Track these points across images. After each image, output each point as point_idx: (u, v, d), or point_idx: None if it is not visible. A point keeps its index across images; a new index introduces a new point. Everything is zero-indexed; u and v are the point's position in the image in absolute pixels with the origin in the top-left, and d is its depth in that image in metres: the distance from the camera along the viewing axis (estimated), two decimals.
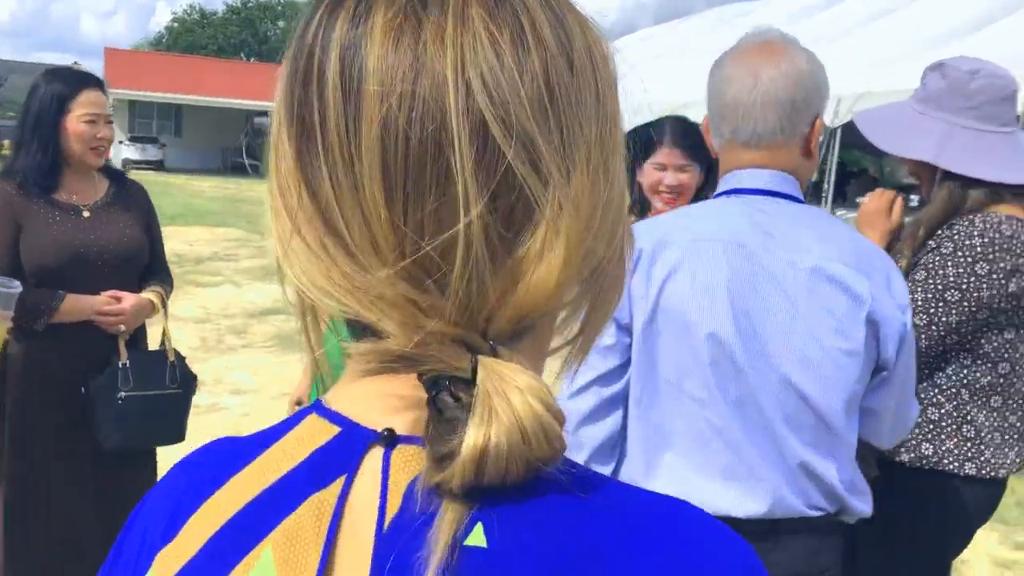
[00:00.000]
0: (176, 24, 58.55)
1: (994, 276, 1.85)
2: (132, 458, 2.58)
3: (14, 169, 2.44)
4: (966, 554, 3.81)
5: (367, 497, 0.48)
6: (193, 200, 18.26)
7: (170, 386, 2.59)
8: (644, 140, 2.48)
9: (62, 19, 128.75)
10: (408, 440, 0.49)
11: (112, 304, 2.46)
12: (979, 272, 1.85)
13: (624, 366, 1.47)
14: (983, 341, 1.91)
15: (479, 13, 0.45)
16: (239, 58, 52.36)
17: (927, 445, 1.94)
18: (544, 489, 0.47)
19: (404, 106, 0.44)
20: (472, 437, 0.44)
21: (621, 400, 1.48)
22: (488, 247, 0.45)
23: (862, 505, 1.53)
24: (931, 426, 1.94)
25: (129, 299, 2.49)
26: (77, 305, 2.41)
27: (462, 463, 0.44)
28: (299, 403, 2.84)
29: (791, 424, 1.43)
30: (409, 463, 0.48)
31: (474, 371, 0.45)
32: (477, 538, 0.46)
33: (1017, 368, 1.95)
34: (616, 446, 1.50)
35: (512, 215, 0.46)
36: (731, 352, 1.40)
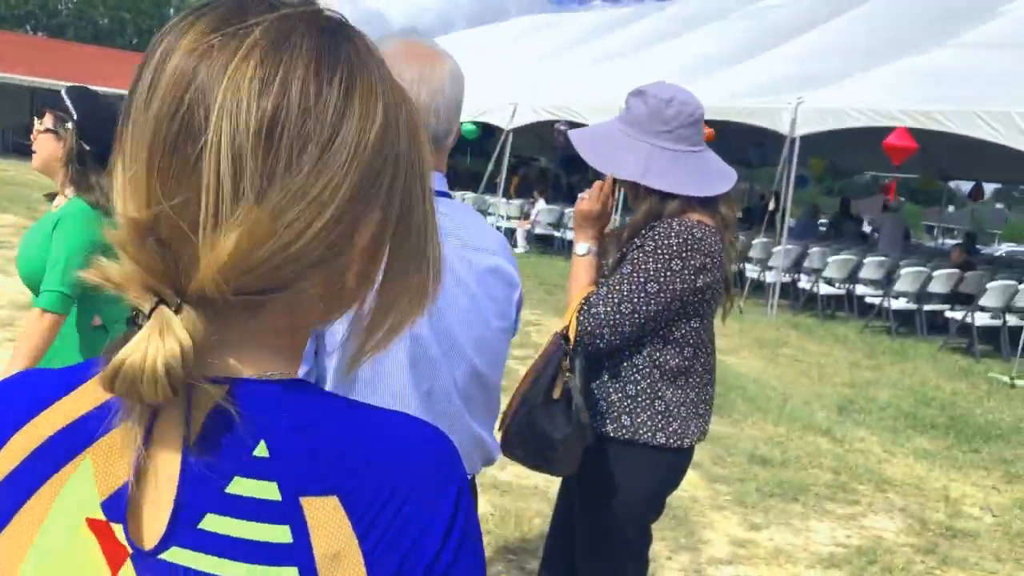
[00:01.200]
0: None
1: (686, 272, 2.13)
2: None
3: None
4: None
5: (172, 421, 0.64)
6: None
7: None
8: None
9: None
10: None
11: None
12: (674, 268, 2.11)
13: (310, 372, 1.49)
14: (674, 328, 2.19)
15: (254, 63, 0.61)
16: (24, 31, 48.29)
17: (626, 417, 2.20)
18: (291, 413, 0.67)
19: (176, 99, 0.61)
20: (117, 358, 0.60)
21: None
22: (202, 228, 0.61)
23: (497, 452, 1.78)
24: (629, 401, 2.19)
25: None
26: None
27: (107, 375, 0.60)
28: None
29: (468, 402, 1.60)
30: (204, 397, 0.64)
31: (150, 314, 0.61)
32: (262, 451, 0.64)
33: (698, 352, 2.24)
34: None
35: (221, 208, 0.61)
36: (428, 349, 1.52)
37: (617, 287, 2.12)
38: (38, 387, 0.69)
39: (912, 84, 10.74)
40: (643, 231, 2.18)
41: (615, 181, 2.25)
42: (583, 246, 2.27)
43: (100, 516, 0.63)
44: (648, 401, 2.19)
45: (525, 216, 16.65)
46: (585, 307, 2.15)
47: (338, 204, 0.64)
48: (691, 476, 4.17)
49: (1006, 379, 8.42)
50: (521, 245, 16.04)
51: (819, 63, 12.60)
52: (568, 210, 16.30)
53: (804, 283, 12.04)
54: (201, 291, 0.61)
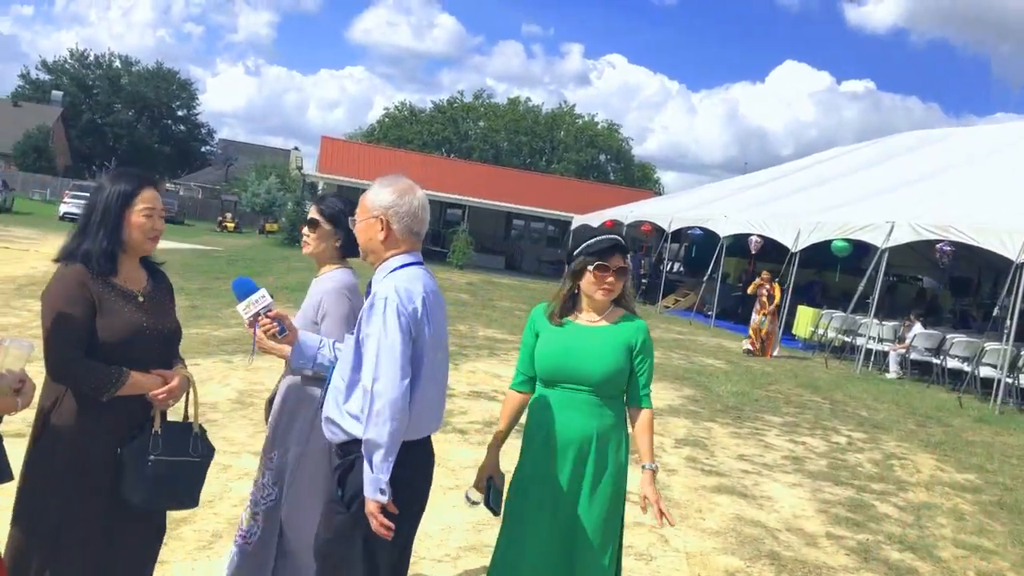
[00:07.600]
0: (387, 119, 62.48)
1: None
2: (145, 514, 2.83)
3: (76, 253, 2.72)
4: None
5: None
6: None
7: (192, 455, 2.84)
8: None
9: (292, 108, 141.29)
10: None
11: (163, 386, 2.75)
12: None
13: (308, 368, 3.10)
14: None
15: None
16: (440, 153, 55.47)
17: None
18: None
19: None
20: None
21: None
22: None
23: None
24: None
25: (175, 381, 2.79)
26: (136, 382, 2.69)
27: None
28: None
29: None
30: None
31: None
32: None
33: None
34: None
35: None
36: (445, 345, 2.86)
37: None
38: None
39: None
40: None
41: None
42: None
43: None
44: None
45: (900, 340, 15.53)
46: None
47: None
48: None
49: None
50: (893, 371, 14.93)
51: None
52: (951, 336, 14.91)
53: None
54: None
